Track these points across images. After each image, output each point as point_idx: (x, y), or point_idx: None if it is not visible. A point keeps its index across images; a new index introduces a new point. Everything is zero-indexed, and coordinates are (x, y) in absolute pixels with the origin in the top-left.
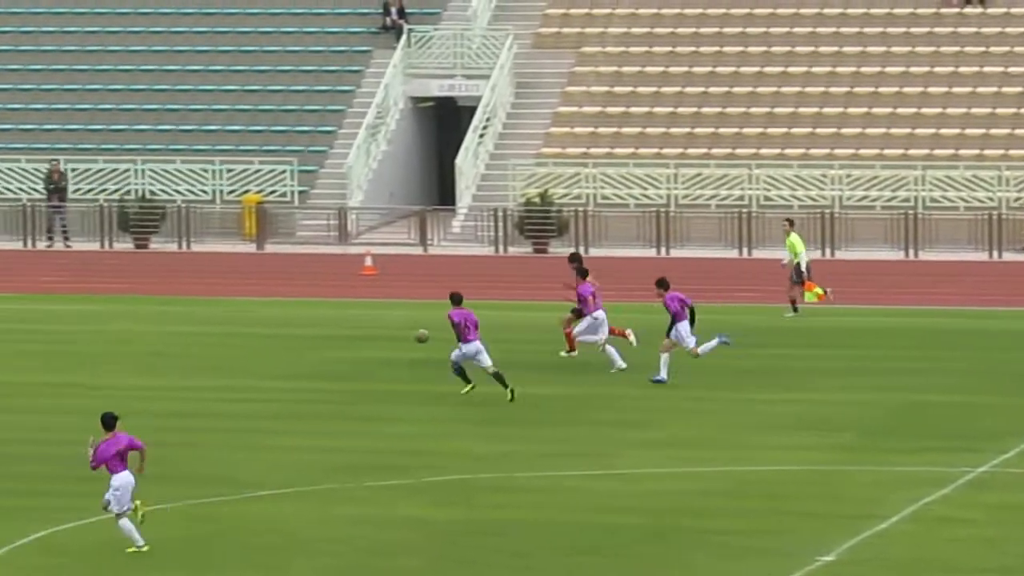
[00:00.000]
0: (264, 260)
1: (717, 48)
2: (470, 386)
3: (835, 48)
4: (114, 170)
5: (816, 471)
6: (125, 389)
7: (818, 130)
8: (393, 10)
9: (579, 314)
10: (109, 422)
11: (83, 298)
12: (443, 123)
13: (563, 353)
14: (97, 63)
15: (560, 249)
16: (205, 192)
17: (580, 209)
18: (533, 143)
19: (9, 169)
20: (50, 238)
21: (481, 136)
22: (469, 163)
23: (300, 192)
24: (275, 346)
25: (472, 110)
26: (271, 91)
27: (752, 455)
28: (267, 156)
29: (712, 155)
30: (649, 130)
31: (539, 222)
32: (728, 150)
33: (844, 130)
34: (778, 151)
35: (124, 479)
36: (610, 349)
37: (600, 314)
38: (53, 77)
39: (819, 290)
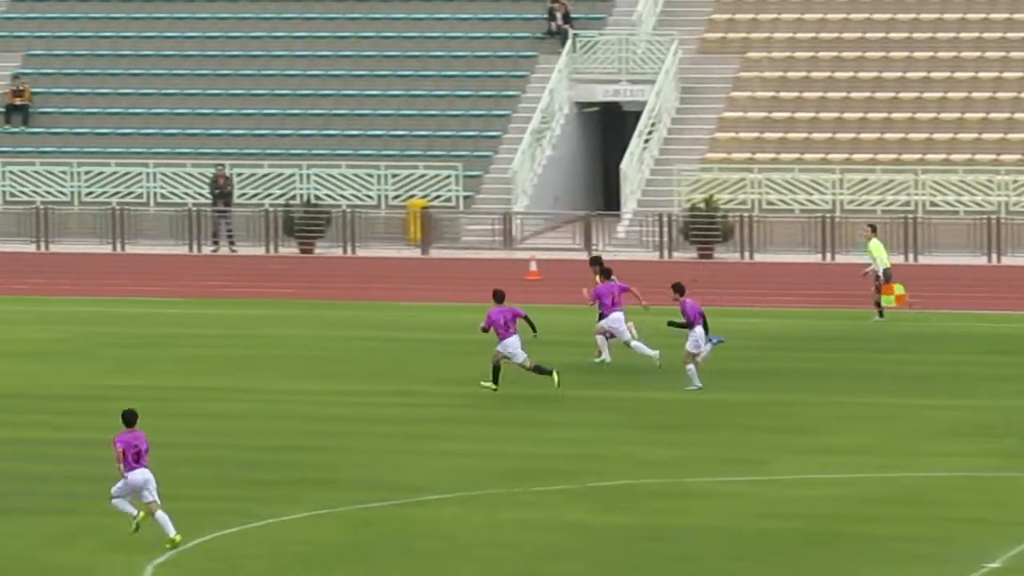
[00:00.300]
0: (429, 265)
1: (883, 53)
2: (494, 387)
3: (1002, 53)
4: (279, 175)
5: (978, 477)
6: (288, 393)
7: (984, 135)
8: (558, 15)
9: (603, 319)
10: (130, 419)
11: (248, 302)
12: (608, 128)
13: (594, 359)
14: (263, 68)
15: (725, 255)
16: (370, 197)
17: (745, 214)
18: (698, 148)
19: (175, 174)
20: (215, 243)
21: (646, 141)
22: (634, 168)
23: (465, 197)
24: (439, 351)
25: (637, 115)
26: (436, 96)
27: (911, 461)
28: (432, 161)
29: (878, 160)
30: (814, 135)
31: (704, 227)
32: (894, 155)
33: (1011, 136)
34: (943, 156)
35: (143, 475)
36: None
37: (618, 315)
38: (218, 82)
39: (899, 289)
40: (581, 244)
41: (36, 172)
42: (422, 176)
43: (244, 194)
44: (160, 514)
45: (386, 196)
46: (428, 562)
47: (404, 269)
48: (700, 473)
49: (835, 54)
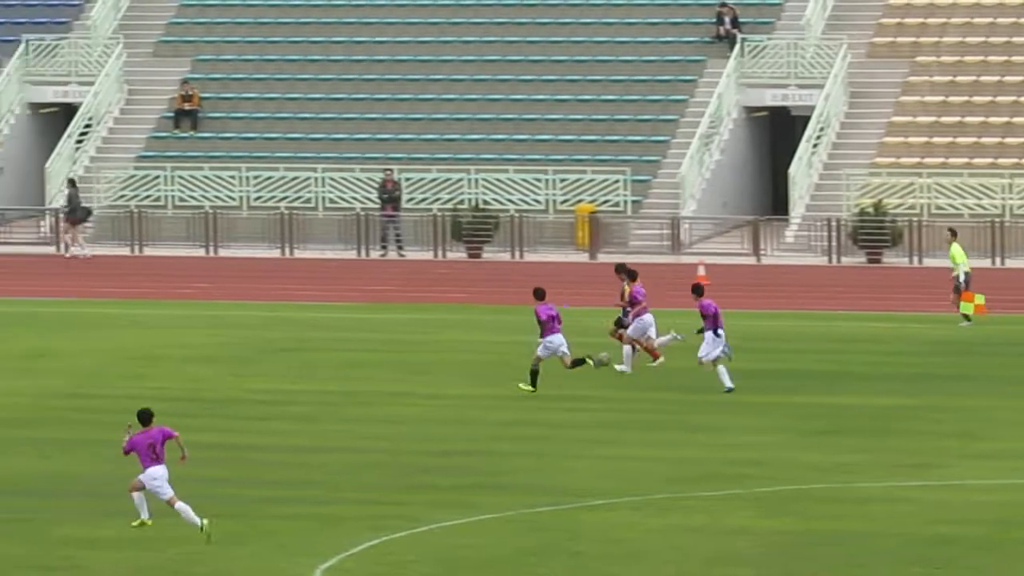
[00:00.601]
0: (597, 269)
1: None
2: (532, 390)
3: None
4: (447, 180)
5: None
6: (457, 398)
7: None
8: (727, 20)
9: (620, 324)
10: (145, 418)
11: (415, 307)
12: (776, 132)
13: (619, 367)
14: (431, 72)
15: (894, 260)
16: (538, 201)
17: (914, 219)
18: (867, 153)
19: (343, 178)
20: (384, 247)
21: (815, 146)
22: (802, 173)
23: (633, 201)
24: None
25: (806, 120)
26: (604, 101)
27: None
28: (600, 165)
29: None
30: (984, 140)
31: (873, 232)
32: None
33: None
34: None
35: (158, 471)
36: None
37: (648, 317)
38: (387, 87)
39: (979, 299)
40: (749, 249)
41: (205, 177)
42: (590, 181)
43: (412, 199)
44: (180, 505)
45: (554, 201)
46: (597, 567)
47: (572, 274)
48: (867, 478)
49: (1005, 58)
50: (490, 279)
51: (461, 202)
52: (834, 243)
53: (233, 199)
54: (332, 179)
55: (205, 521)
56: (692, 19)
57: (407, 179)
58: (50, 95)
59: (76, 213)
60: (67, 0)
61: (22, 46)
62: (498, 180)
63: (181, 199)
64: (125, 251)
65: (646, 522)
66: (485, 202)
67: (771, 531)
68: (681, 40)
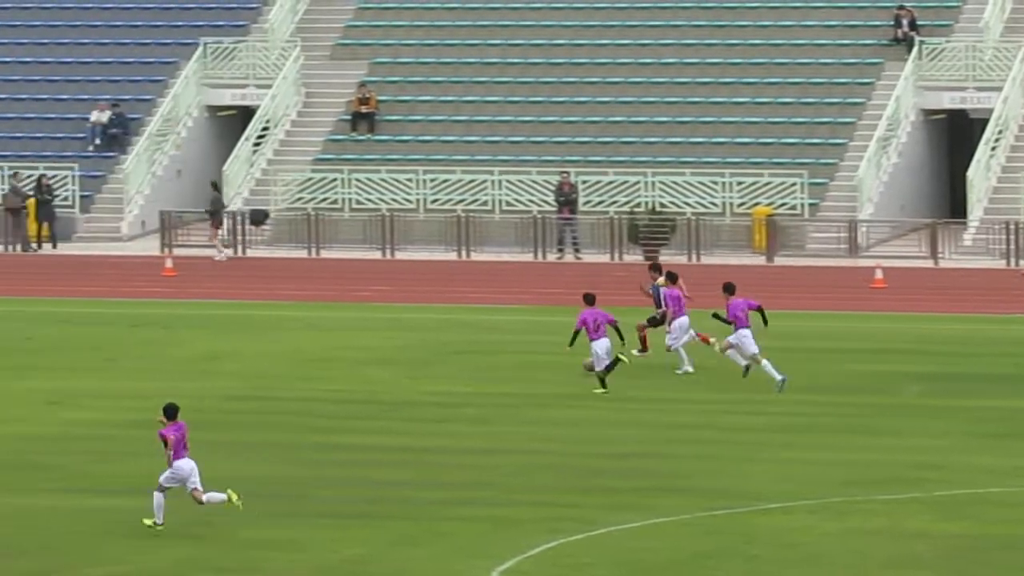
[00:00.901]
0: (774, 272)
1: None
2: (605, 390)
3: None
4: (624, 182)
5: None
6: (632, 400)
7: None
8: (904, 22)
9: (653, 321)
10: (171, 413)
11: None
12: (954, 135)
13: (635, 352)
14: (609, 75)
15: None
16: (715, 204)
17: None
18: None
19: (520, 181)
20: (560, 250)
21: (993, 149)
22: (981, 176)
23: (810, 205)
24: (786, 359)
25: (984, 122)
26: (781, 103)
27: None
28: (777, 168)
29: None
30: None
31: None
32: None
33: None
34: None
35: (184, 465)
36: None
37: (684, 320)
38: (564, 90)
39: None
40: (927, 252)
41: (382, 180)
42: (767, 183)
43: (589, 201)
44: (210, 495)
45: (731, 203)
46: (773, 571)
47: (749, 277)
48: None
49: None
50: None
51: (638, 205)
52: (1012, 246)
53: (410, 202)
54: (509, 182)
55: (231, 491)
56: (870, 22)
57: (584, 181)
58: (228, 98)
59: (218, 216)
60: (245, 3)
61: (200, 49)
62: (675, 183)
63: (358, 202)
64: (302, 254)
65: (822, 526)
66: (662, 205)
67: (948, 535)
68: (859, 43)
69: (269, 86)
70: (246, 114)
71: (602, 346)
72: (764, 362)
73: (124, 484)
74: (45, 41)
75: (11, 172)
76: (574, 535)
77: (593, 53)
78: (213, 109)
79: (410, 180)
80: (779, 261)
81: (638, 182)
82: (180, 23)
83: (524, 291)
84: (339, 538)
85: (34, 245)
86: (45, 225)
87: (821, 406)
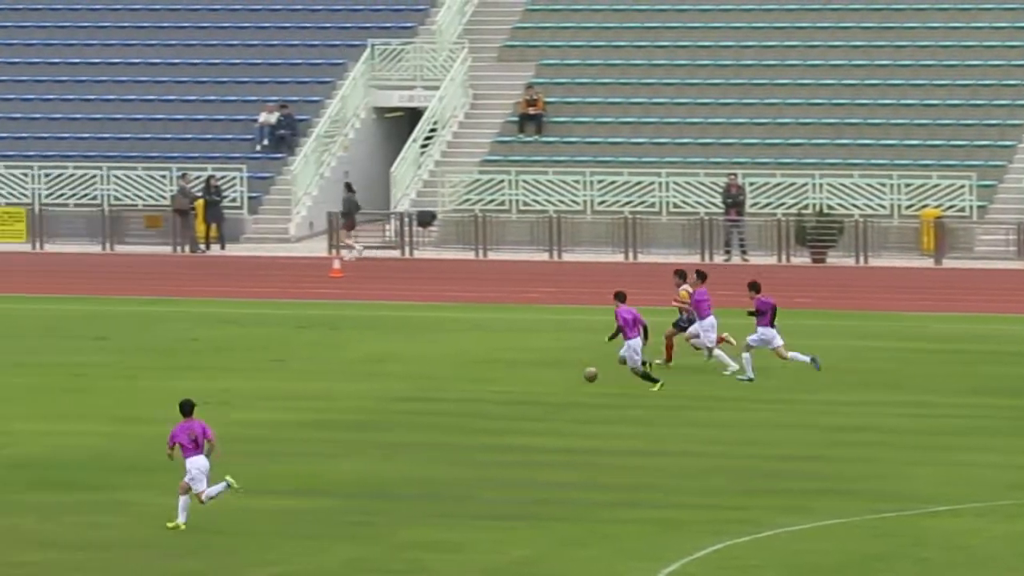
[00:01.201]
0: (942, 275)
1: None
2: (659, 384)
3: None
4: (791, 184)
5: None
6: (801, 403)
7: None
8: None
9: (679, 327)
10: (187, 409)
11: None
12: None
13: (657, 361)
14: (775, 77)
15: None
16: (883, 207)
17: None
18: None
19: (687, 182)
20: (727, 252)
21: None
22: None
23: (979, 207)
24: (953, 361)
25: None
26: (950, 105)
27: None
28: (946, 170)
29: None
30: None
31: None
32: None
33: None
34: None
35: (198, 463)
36: (719, 352)
37: (711, 320)
38: (731, 91)
39: None
40: None
41: (549, 181)
42: (935, 186)
43: (756, 203)
44: (208, 491)
45: (899, 205)
46: (943, 573)
47: (917, 279)
48: None
49: None
50: (834, 284)
51: (805, 207)
52: None
53: (577, 203)
54: (676, 183)
55: (229, 478)
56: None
57: (751, 183)
58: (395, 99)
59: (351, 217)
60: (413, 5)
61: (368, 51)
62: (842, 185)
63: (525, 203)
64: (469, 255)
65: (991, 528)
66: (829, 207)
67: None
68: (1005, 45)
69: (437, 87)
70: (413, 115)
71: (637, 344)
72: (791, 354)
73: (291, 485)
74: (214, 43)
75: (180, 173)
76: (740, 537)
77: (760, 55)
78: (380, 111)
79: (577, 182)
80: (947, 263)
81: (806, 184)
82: (348, 25)
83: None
84: (504, 539)
85: (202, 246)
86: (213, 226)
87: (985, 409)
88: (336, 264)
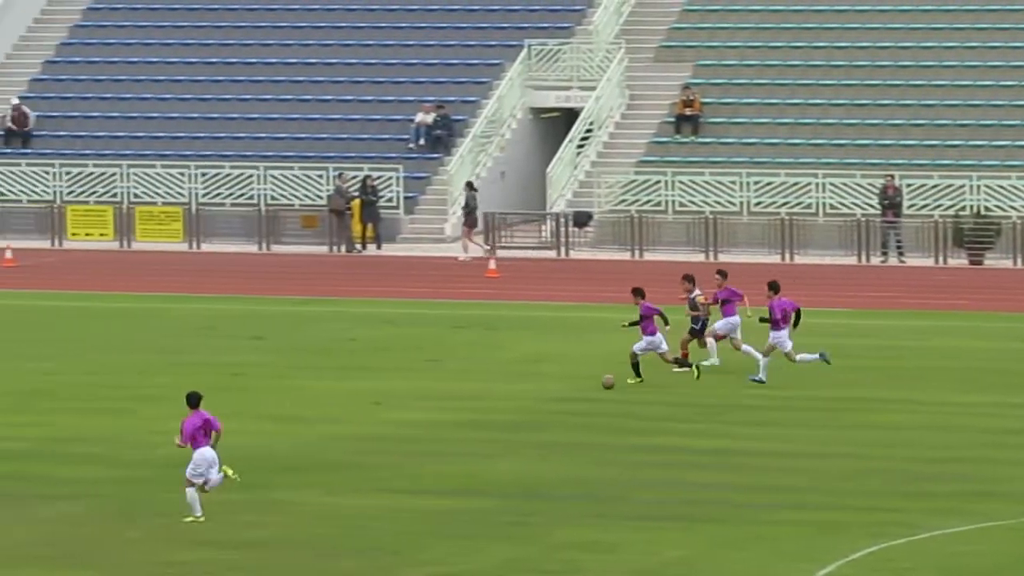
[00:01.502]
0: None
1: None
2: (639, 379)
3: None
4: (949, 185)
5: None
6: (957, 405)
7: None
8: None
9: (694, 333)
10: (193, 401)
11: (915, 314)
12: None
13: (675, 369)
14: (932, 78)
15: None
16: None
17: None
18: None
19: (844, 184)
20: (884, 253)
21: None
22: None
23: None
24: None
25: None
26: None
27: None
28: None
29: None
30: None
31: None
32: None
33: None
34: None
35: (204, 454)
36: (747, 348)
37: (735, 319)
38: (889, 92)
39: None
40: None
41: (705, 182)
42: None
43: (913, 204)
44: (192, 491)
45: None
46: None
47: None
48: None
49: None
50: (991, 286)
51: (962, 208)
52: None
53: (733, 204)
54: (832, 184)
55: (227, 468)
56: None
57: (908, 185)
58: (551, 100)
59: (472, 215)
60: (570, 5)
61: (524, 51)
62: (1000, 186)
63: (681, 204)
64: (625, 256)
65: None
66: (987, 208)
67: None
68: None
69: (593, 88)
70: (569, 116)
71: (658, 339)
72: (800, 355)
73: (448, 485)
74: (371, 43)
75: (336, 173)
76: (897, 539)
77: (917, 56)
78: (537, 111)
79: (733, 182)
80: None
81: (963, 185)
82: (505, 25)
83: (847, 294)
84: (657, 540)
85: (358, 246)
86: (369, 226)
87: None
88: (492, 264)
